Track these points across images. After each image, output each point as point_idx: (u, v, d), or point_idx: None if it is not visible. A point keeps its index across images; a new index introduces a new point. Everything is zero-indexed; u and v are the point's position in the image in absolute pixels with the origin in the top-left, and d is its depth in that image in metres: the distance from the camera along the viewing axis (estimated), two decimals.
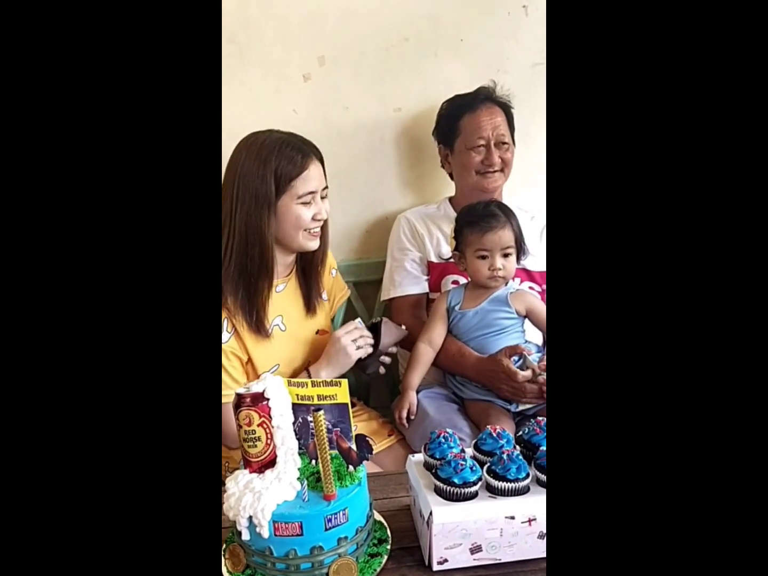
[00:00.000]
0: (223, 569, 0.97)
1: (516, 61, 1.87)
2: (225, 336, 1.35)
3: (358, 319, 1.51)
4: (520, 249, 1.54)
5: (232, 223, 1.32)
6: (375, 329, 1.53)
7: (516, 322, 1.55)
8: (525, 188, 1.91)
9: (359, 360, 1.49)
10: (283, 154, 1.32)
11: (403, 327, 1.57)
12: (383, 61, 1.82)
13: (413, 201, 1.95)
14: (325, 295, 1.58)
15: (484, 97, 1.74)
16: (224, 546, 1.01)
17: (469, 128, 1.71)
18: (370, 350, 1.48)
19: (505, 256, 1.51)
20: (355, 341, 1.44)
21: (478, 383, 1.55)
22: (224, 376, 1.34)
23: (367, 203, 1.95)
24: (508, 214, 1.53)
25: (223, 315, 1.34)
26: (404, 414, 1.54)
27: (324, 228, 1.44)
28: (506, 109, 1.76)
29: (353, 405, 1.67)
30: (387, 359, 1.54)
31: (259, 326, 1.38)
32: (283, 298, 1.46)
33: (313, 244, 1.42)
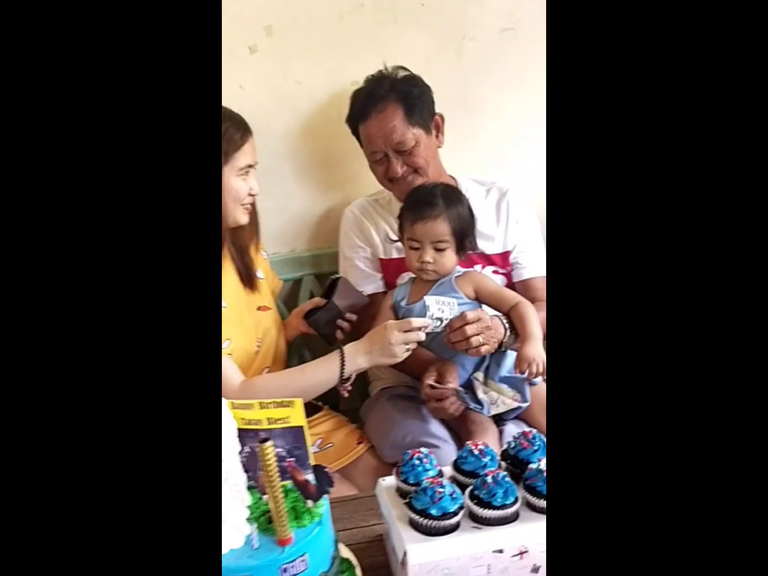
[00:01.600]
0: None
1: (483, 26, 1.71)
2: None
3: (429, 316, 1.30)
4: (462, 243, 1.37)
5: None
6: (331, 286, 1.45)
7: (468, 306, 1.36)
8: (495, 161, 1.79)
9: (309, 312, 1.45)
10: (225, 128, 1.30)
11: (364, 292, 1.47)
12: (337, 29, 1.64)
13: (377, 182, 1.78)
14: (260, 273, 1.51)
15: (376, 98, 1.49)
16: None
17: (365, 140, 1.54)
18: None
19: (438, 250, 1.35)
20: (407, 343, 1.27)
21: None
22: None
23: (326, 187, 1.79)
24: (450, 202, 1.35)
25: None
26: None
27: (253, 205, 1.43)
28: (406, 99, 1.48)
29: (318, 409, 1.53)
30: (345, 324, 1.43)
31: None
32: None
33: (245, 219, 1.40)
